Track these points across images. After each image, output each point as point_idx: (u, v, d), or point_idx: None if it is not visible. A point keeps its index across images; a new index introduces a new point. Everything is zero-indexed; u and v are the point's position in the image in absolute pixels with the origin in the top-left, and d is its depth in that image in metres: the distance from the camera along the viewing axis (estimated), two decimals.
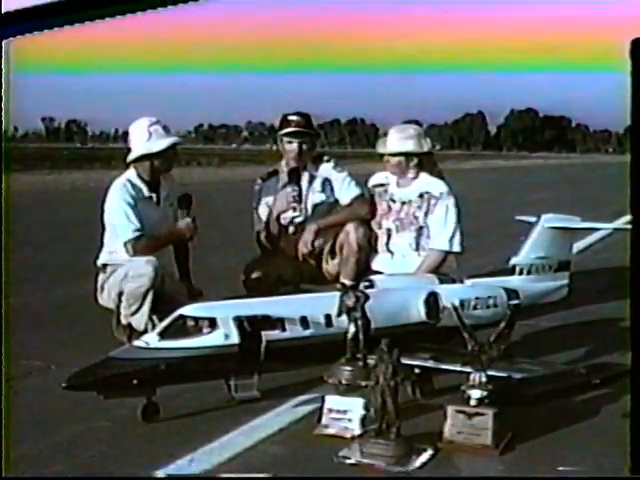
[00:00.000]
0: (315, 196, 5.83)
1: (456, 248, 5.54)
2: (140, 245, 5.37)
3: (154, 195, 5.65)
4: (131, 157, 5.60)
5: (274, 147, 6.00)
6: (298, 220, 5.82)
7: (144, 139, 5.51)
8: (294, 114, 5.77)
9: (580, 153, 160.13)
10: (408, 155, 5.63)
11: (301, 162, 5.76)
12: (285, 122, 5.77)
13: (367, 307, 4.05)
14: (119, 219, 5.43)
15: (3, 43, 2.07)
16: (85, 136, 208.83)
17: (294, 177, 5.75)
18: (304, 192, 5.82)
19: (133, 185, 5.55)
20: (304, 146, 5.73)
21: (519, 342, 5.12)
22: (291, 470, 3.39)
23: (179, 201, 5.67)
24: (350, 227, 5.61)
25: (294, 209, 5.77)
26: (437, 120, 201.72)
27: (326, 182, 5.83)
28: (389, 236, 5.67)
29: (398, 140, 5.65)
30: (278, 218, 5.81)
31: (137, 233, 5.38)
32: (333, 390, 4.02)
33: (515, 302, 4.89)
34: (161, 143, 5.53)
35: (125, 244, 5.39)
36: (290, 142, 5.75)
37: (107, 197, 5.58)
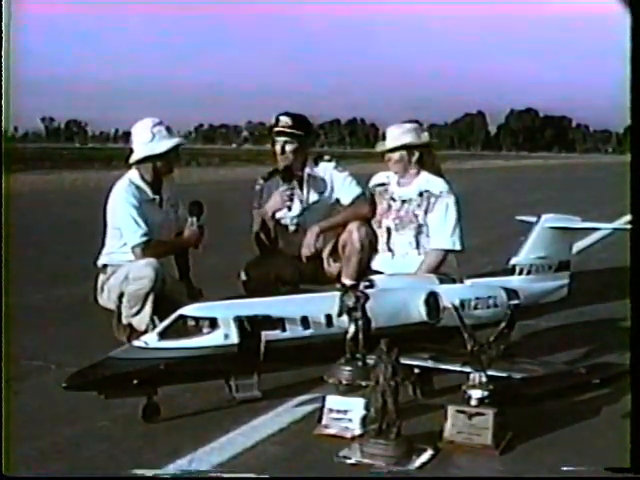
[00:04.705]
0: (314, 195, 5.84)
1: (456, 246, 5.55)
2: (148, 250, 5.36)
3: (157, 197, 5.65)
4: (134, 158, 5.58)
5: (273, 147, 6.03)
6: (296, 220, 5.83)
7: (147, 140, 5.50)
8: (283, 114, 5.82)
9: (580, 153, 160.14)
10: (408, 148, 5.64)
11: (287, 161, 5.79)
12: (275, 122, 5.84)
13: (367, 307, 4.05)
14: (126, 222, 5.42)
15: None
16: (85, 136, 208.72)
17: (287, 176, 5.78)
18: (304, 191, 5.83)
19: (137, 187, 5.54)
20: (287, 146, 5.76)
21: (519, 342, 5.12)
22: (291, 470, 3.40)
23: (190, 208, 5.67)
24: (353, 227, 5.62)
25: (289, 208, 5.79)
26: (437, 120, 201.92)
27: (326, 182, 5.84)
28: (389, 235, 5.68)
29: (396, 135, 5.67)
30: (273, 216, 5.83)
31: (145, 237, 5.37)
32: (333, 390, 4.02)
33: (515, 302, 4.89)
34: (164, 144, 5.52)
35: (133, 248, 5.38)
36: (277, 141, 5.81)
37: (110, 198, 5.56)
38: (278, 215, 5.84)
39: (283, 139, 5.77)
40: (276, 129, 5.80)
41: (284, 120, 5.77)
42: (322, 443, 3.66)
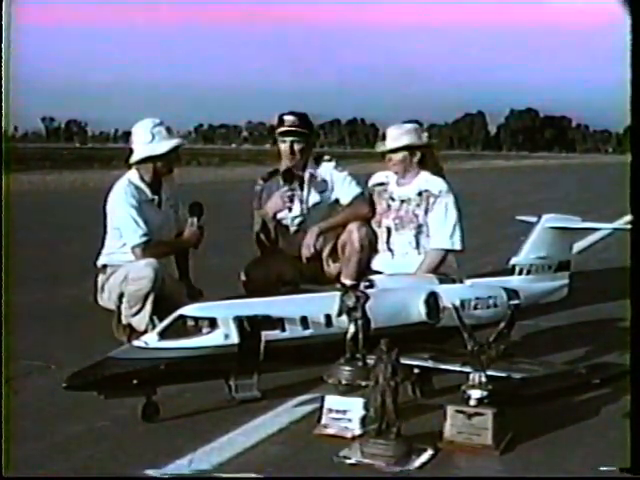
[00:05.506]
0: (316, 196, 5.84)
1: (456, 246, 5.55)
2: (148, 250, 5.36)
3: (156, 198, 5.65)
4: (134, 158, 5.58)
5: (275, 146, 6.01)
6: (298, 220, 5.83)
7: (147, 140, 5.50)
8: (288, 113, 5.80)
9: (580, 153, 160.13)
10: (410, 149, 5.64)
11: (294, 161, 5.78)
12: (280, 121, 5.81)
13: (367, 307, 4.05)
14: (126, 223, 5.42)
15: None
16: (85, 136, 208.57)
17: (288, 177, 5.78)
18: (305, 191, 5.83)
19: (136, 187, 5.54)
20: (296, 145, 5.75)
21: (519, 342, 5.12)
22: (291, 470, 3.40)
23: (190, 208, 5.67)
24: (353, 227, 5.62)
25: (289, 209, 5.78)
26: (437, 120, 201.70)
27: (326, 182, 5.84)
28: (389, 234, 5.68)
29: (398, 135, 5.67)
30: (274, 217, 5.83)
31: (145, 238, 5.37)
32: (333, 390, 4.02)
33: (515, 302, 4.89)
34: (164, 145, 5.52)
35: (133, 248, 5.38)
36: (284, 141, 5.78)
37: (110, 199, 5.56)
38: (279, 216, 5.83)
39: (291, 138, 5.75)
40: (282, 129, 5.77)
41: (290, 119, 5.75)
42: (322, 443, 3.66)
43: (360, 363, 3.95)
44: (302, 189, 5.83)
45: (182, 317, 3.93)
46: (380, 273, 5.34)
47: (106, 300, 5.52)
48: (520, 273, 5.52)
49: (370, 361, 3.76)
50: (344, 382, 3.95)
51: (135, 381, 3.72)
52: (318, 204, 5.84)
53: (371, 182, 5.94)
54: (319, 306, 4.30)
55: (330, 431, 3.74)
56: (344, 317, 4.09)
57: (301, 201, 5.81)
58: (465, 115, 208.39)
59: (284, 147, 5.79)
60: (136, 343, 3.91)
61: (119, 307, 5.35)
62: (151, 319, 5.17)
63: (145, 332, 4.62)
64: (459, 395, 3.67)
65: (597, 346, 5.25)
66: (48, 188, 22.27)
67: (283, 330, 4.09)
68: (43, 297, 6.96)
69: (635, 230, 3.37)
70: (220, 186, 23.88)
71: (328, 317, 4.23)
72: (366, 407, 3.69)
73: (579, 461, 3.48)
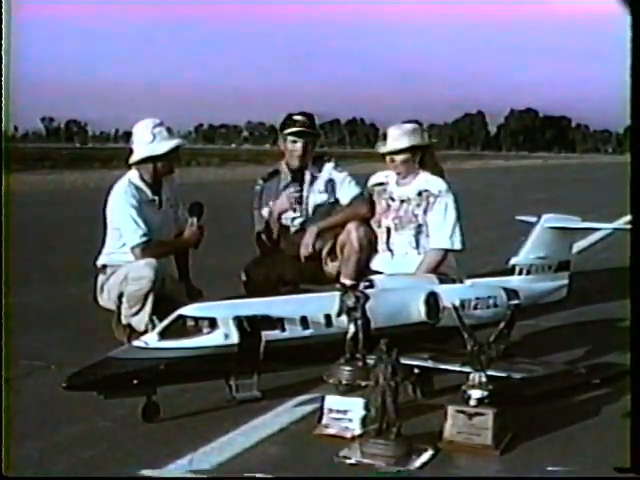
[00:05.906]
0: (317, 196, 5.83)
1: (456, 245, 5.54)
2: (148, 250, 5.36)
3: (156, 198, 5.65)
4: (134, 159, 5.58)
5: (275, 146, 5.99)
6: (299, 220, 5.83)
7: (148, 141, 5.49)
8: (299, 114, 5.78)
9: (580, 153, 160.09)
10: (412, 149, 5.63)
11: (304, 162, 5.78)
12: (290, 121, 5.78)
13: (367, 307, 4.05)
14: (126, 223, 5.41)
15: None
16: (85, 136, 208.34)
17: (297, 177, 5.77)
18: (305, 192, 5.83)
19: (137, 187, 5.53)
20: (308, 146, 5.75)
21: (519, 342, 5.12)
22: (291, 470, 3.40)
23: (190, 208, 5.67)
24: (351, 226, 5.62)
25: (294, 210, 5.78)
26: (437, 120, 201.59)
27: (327, 182, 5.83)
28: (389, 234, 5.67)
29: (400, 136, 5.65)
30: (279, 218, 5.82)
31: (145, 238, 5.37)
32: (333, 390, 4.02)
33: (515, 302, 4.89)
34: (165, 145, 5.52)
35: (132, 248, 5.38)
36: (295, 142, 5.75)
37: (110, 199, 5.56)
38: (284, 216, 5.83)
39: (304, 139, 5.74)
40: (295, 129, 5.74)
41: (303, 120, 5.74)
42: (322, 443, 3.66)
43: (360, 363, 3.95)
44: (303, 190, 5.83)
45: (182, 317, 3.93)
46: (380, 273, 5.34)
47: (106, 300, 5.51)
48: (520, 273, 5.52)
49: (370, 361, 3.76)
50: (344, 382, 3.95)
51: (135, 381, 3.72)
52: (319, 205, 5.84)
53: (371, 182, 5.94)
54: (319, 306, 4.30)
55: (330, 431, 3.74)
56: (344, 317, 4.09)
57: (302, 202, 5.81)
58: (465, 115, 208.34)
59: (295, 147, 5.76)
60: (136, 343, 3.91)
61: (119, 307, 5.35)
62: (151, 319, 5.17)
63: (145, 332, 4.62)
64: (459, 395, 3.67)
65: (597, 346, 5.25)
66: (48, 188, 22.27)
67: (283, 330, 4.09)
68: (43, 297, 6.96)
69: (635, 230, 3.37)
70: (220, 186, 23.87)
71: (328, 317, 4.23)
72: (366, 407, 3.69)
73: (579, 461, 3.48)
